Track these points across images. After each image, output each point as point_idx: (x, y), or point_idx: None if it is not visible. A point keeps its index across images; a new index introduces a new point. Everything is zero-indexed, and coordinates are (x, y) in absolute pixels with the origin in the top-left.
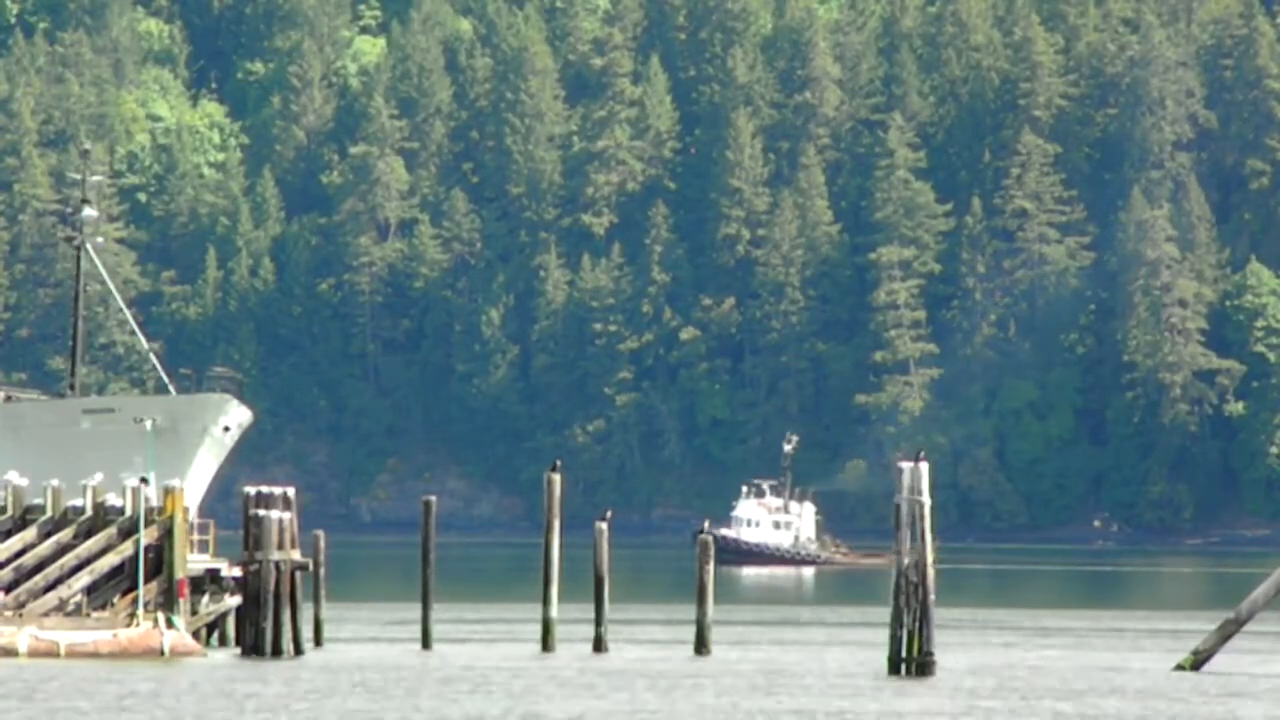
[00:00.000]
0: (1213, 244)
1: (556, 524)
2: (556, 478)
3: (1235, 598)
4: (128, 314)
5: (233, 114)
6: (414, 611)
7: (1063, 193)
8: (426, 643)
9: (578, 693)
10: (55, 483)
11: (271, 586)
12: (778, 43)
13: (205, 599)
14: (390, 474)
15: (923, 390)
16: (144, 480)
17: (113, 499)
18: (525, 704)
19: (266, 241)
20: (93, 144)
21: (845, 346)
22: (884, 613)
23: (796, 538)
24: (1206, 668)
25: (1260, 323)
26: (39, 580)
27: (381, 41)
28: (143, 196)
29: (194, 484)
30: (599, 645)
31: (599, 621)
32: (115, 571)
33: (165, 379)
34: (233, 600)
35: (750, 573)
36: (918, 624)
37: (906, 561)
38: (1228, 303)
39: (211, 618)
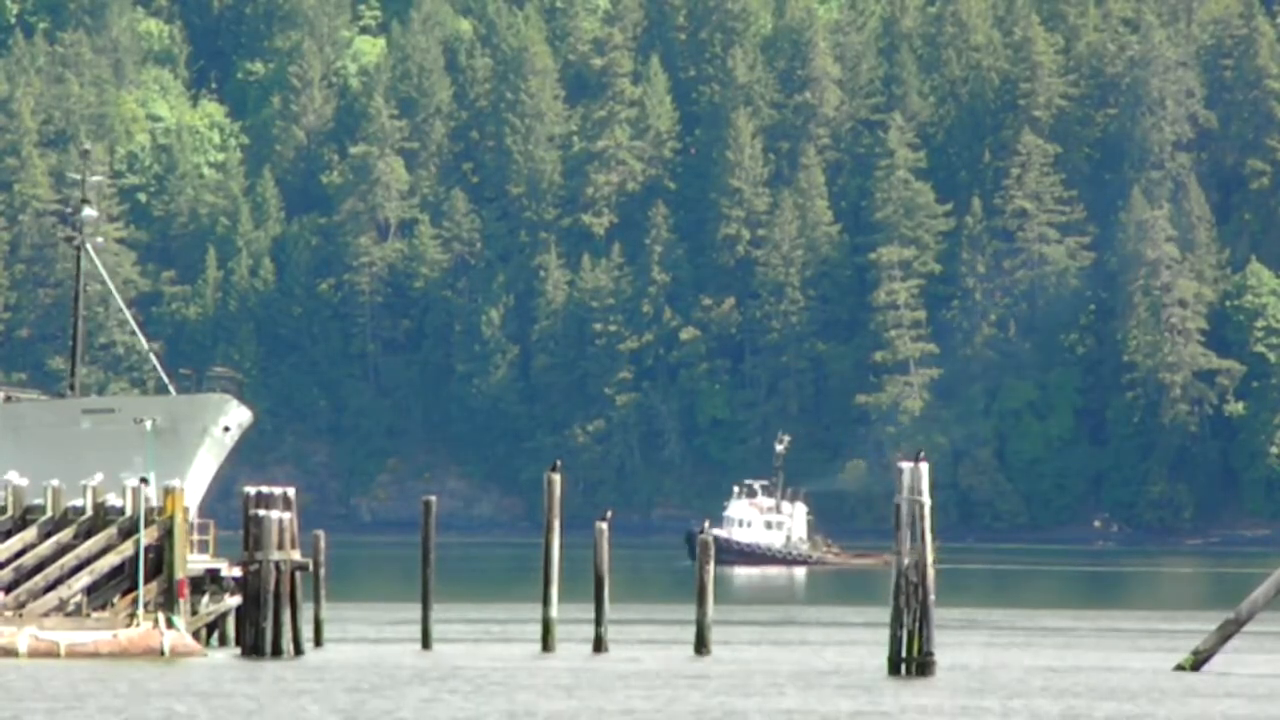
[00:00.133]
0: (1213, 244)
1: (556, 524)
2: (556, 478)
3: (1235, 598)
4: (128, 314)
5: (233, 114)
6: (414, 611)
7: (1063, 193)
8: (426, 643)
9: (578, 692)
10: (55, 483)
11: (271, 586)
12: (778, 43)
13: (205, 599)
14: (390, 474)
15: (923, 390)
16: (144, 480)
17: (113, 499)
18: (526, 704)
19: (266, 241)
20: (93, 144)
21: (845, 346)
22: (878, 612)
23: (788, 538)
24: (1206, 668)
25: (1260, 323)
26: (39, 580)
27: (381, 41)
28: (143, 196)
29: (194, 484)
30: (599, 645)
31: (599, 621)
32: (115, 571)
33: (165, 379)
34: (233, 600)
35: (742, 573)
36: (918, 624)
37: (906, 561)
38: (1228, 303)
39: (211, 618)
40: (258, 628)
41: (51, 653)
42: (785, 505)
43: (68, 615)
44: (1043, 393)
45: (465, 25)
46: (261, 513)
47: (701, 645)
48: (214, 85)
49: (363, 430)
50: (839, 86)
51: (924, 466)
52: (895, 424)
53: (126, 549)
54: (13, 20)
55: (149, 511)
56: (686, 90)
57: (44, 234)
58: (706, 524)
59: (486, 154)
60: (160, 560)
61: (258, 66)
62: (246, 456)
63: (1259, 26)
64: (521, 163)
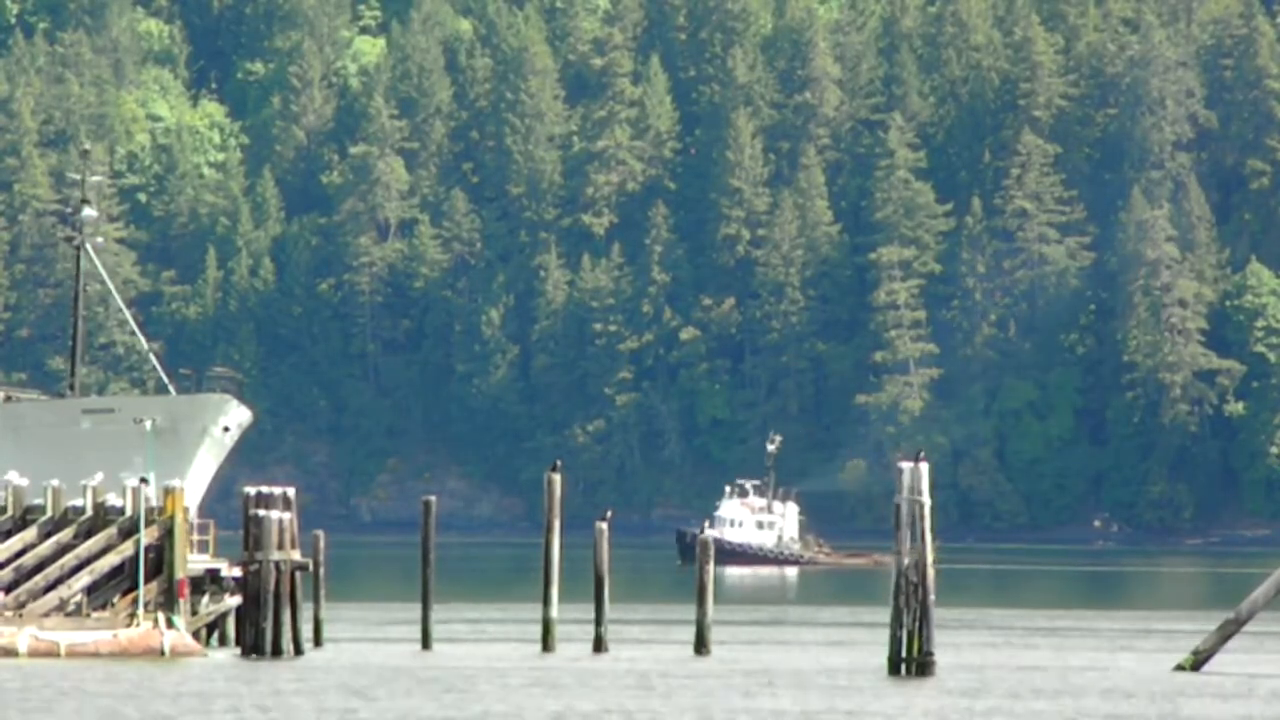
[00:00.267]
0: (1213, 244)
1: (556, 524)
2: (556, 478)
3: (1235, 598)
4: (128, 314)
5: (233, 114)
6: (414, 611)
7: (1063, 193)
8: (426, 643)
9: (578, 692)
10: (55, 483)
11: (271, 586)
12: (778, 43)
13: (205, 599)
14: (390, 474)
15: (923, 390)
16: (144, 480)
17: (113, 499)
18: (526, 704)
19: (266, 241)
20: (93, 144)
21: (845, 346)
22: (872, 612)
23: (780, 538)
24: (1206, 668)
25: (1260, 323)
26: (39, 580)
27: (381, 41)
28: (143, 196)
29: (194, 484)
30: (599, 645)
31: (599, 621)
32: (115, 571)
33: (165, 379)
34: (233, 600)
35: (733, 573)
36: (918, 624)
37: (906, 561)
38: (1228, 303)
39: (211, 618)
40: (258, 628)
41: (51, 653)
42: (777, 505)
43: (68, 615)
44: (1043, 393)
45: (465, 25)
46: (261, 513)
47: (701, 645)
48: (214, 85)
49: (363, 430)
50: (839, 86)
51: (924, 466)
52: (895, 424)
53: (126, 549)
54: (13, 20)
55: (149, 511)
56: (686, 90)
57: (44, 234)
58: (706, 525)
59: (486, 154)
60: (160, 560)
61: (258, 66)
62: (246, 456)
63: (1259, 26)
64: (521, 163)
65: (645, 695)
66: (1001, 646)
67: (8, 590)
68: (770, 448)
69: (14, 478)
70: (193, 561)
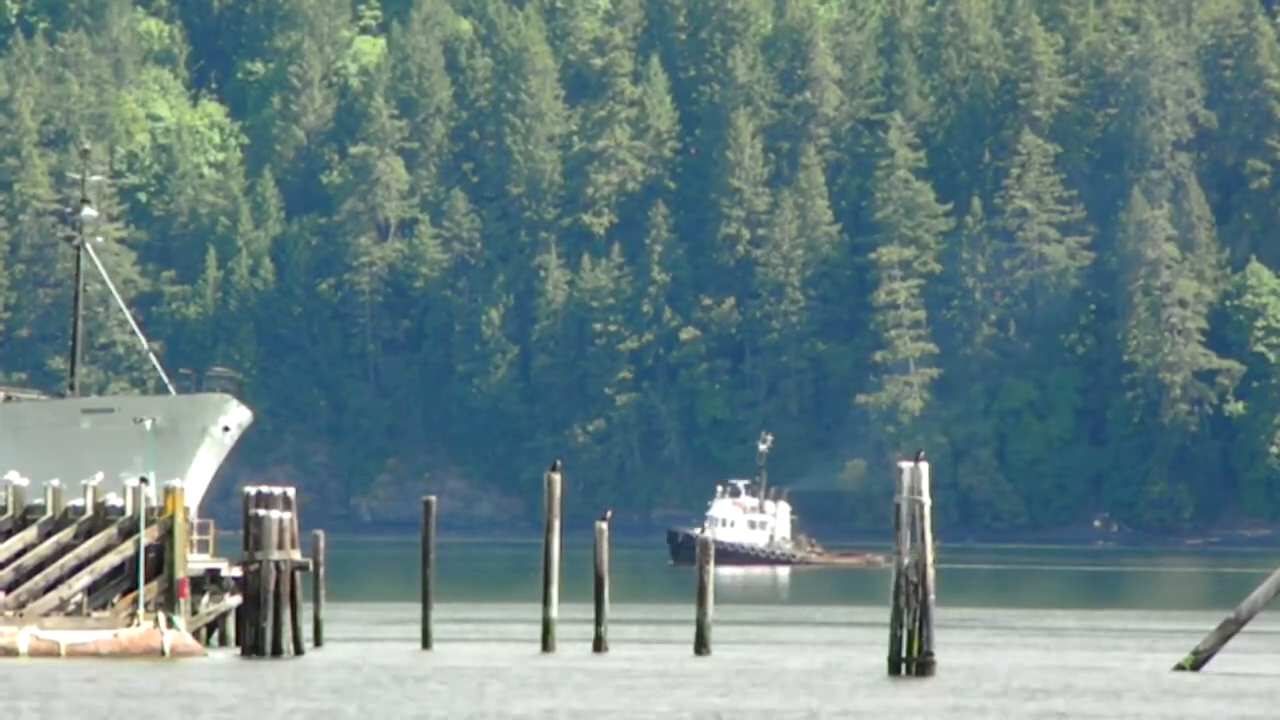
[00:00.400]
0: (1213, 244)
1: (556, 524)
2: (556, 478)
3: (1235, 598)
4: (128, 314)
5: (233, 114)
6: (414, 611)
7: (1063, 193)
8: (426, 643)
9: (578, 692)
10: (55, 483)
11: (271, 586)
12: (778, 43)
13: (205, 599)
14: (390, 474)
15: (923, 390)
16: (144, 480)
17: (113, 499)
18: (526, 704)
19: (266, 241)
20: (93, 144)
21: (845, 346)
22: (865, 612)
23: (771, 537)
24: (1206, 668)
25: (1260, 323)
26: (39, 580)
27: (381, 41)
28: (143, 196)
29: (194, 484)
30: (599, 645)
31: (599, 621)
32: (116, 571)
33: (165, 379)
34: (233, 600)
35: (725, 572)
36: (918, 624)
37: (906, 561)
38: (1228, 303)
39: (211, 618)
40: (258, 628)
41: (52, 652)
42: (769, 505)
43: (68, 615)
44: (1043, 392)
45: (465, 25)
46: (261, 513)
47: (701, 645)
48: (214, 85)
49: (363, 430)
50: (839, 86)
51: (924, 466)
52: (895, 424)
53: (127, 549)
54: (13, 20)
55: (149, 511)
56: (686, 90)
57: (44, 234)
58: (706, 525)
59: (486, 154)
60: (160, 560)
61: (258, 66)
62: (246, 456)
63: (1259, 26)
64: (521, 163)
65: (646, 695)
66: (1001, 647)
67: (8, 590)
68: (762, 447)
69: (14, 478)
70: (193, 561)
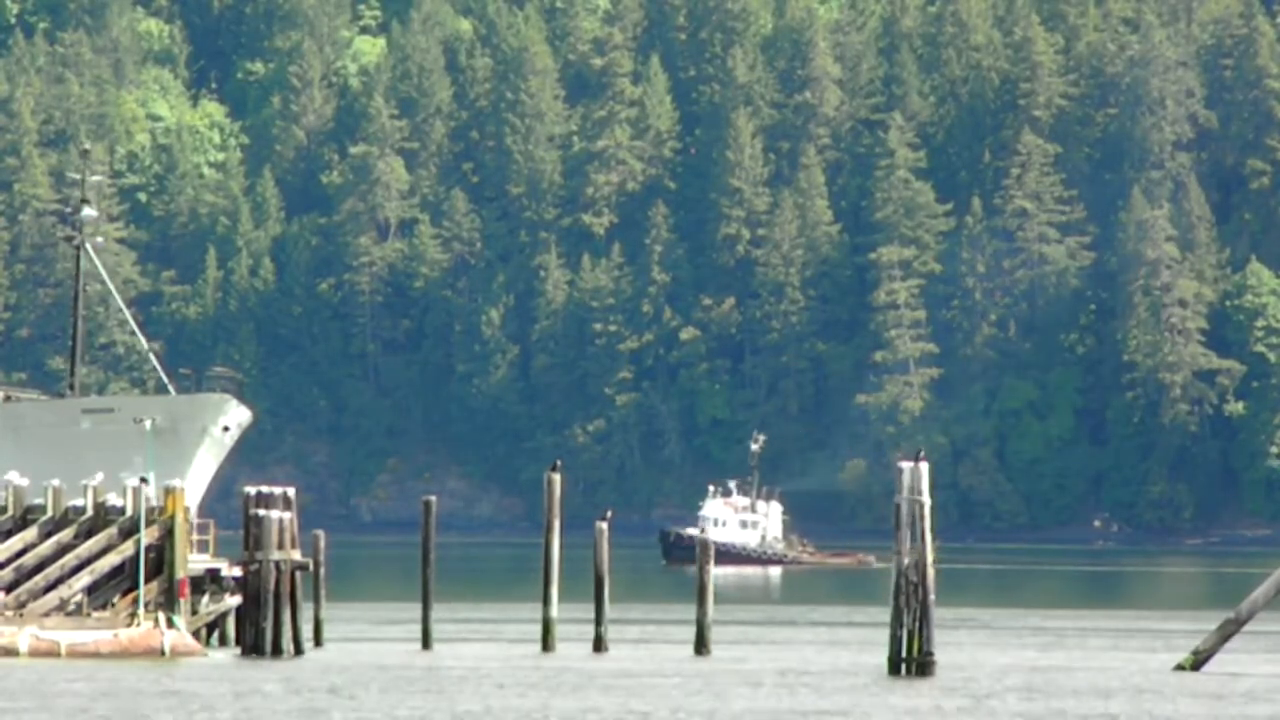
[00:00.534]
0: (1213, 244)
1: (556, 524)
2: (556, 478)
3: (1235, 598)
4: (128, 314)
5: (233, 114)
6: (414, 611)
7: (1063, 193)
8: (426, 643)
9: (578, 692)
10: (56, 483)
11: (271, 586)
12: (778, 43)
13: (205, 599)
14: (390, 474)
15: (922, 390)
16: (144, 480)
17: (113, 499)
18: (526, 703)
19: (266, 241)
20: (93, 144)
21: (845, 346)
22: (861, 612)
23: (763, 537)
24: (1206, 668)
25: (1260, 323)
26: (40, 580)
27: (381, 41)
28: (143, 196)
29: (194, 484)
30: (599, 645)
31: (599, 621)
32: (116, 571)
33: (165, 379)
34: (233, 600)
35: (717, 572)
36: (918, 624)
37: (906, 561)
38: (1228, 303)
39: (212, 618)
40: (258, 627)
41: (52, 652)
42: (760, 504)
43: (68, 615)
44: (1043, 392)
45: (465, 25)
46: (261, 513)
47: (701, 645)
48: (214, 85)
49: (363, 430)
50: (839, 86)
51: (924, 466)
52: (895, 424)
53: (127, 549)
54: (13, 20)
55: (149, 511)
56: (686, 90)
57: (44, 234)
58: (705, 527)
59: (486, 154)
60: (161, 560)
61: (258, 66)
62: (246, 456)
63: (1259, 26)
64: (521, 163)
65: (646, 695)
66: (1001, 646)
67: (8, 590)
68: (754, 447)
69: (14, 478)
70: (193, 561)
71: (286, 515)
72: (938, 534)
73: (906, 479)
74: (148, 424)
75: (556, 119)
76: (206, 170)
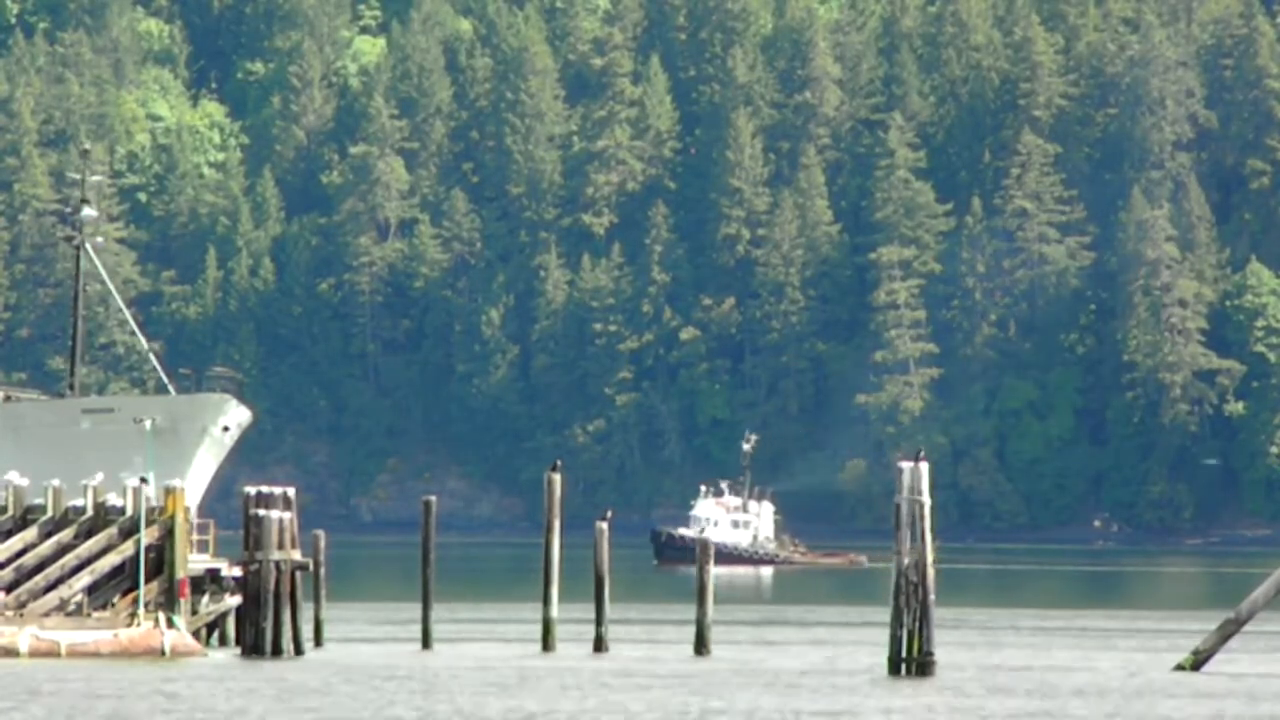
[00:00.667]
0: (1213, 244)
1: (556, 524)
2: (556, 478)
3: (1235, 598)
4: (128, 314)
5: (233, 114)
6: (414, 611)
7: (1063, 193)
8: (427, 643)
9: (578, 692)
10: (56, 483)
11: (271, 586)
12: (778, 43)
13: (205, 599)
14: (390, 474)
15: (922, 390)
16: (144, 480)
17: (113, 499)
18: (526, 703)
19: (266, 241)
20: (93, 144)
21: (845, 346)
22: (854, 612)
23: (755, 537)
24: (1206, 668)
25: (1260, 323)
26: (40, 580)
27: (381, 41)
28: (143, 196)
29: (194, 484)
30: (599, 645)
31: (599, 621)
32: (116, 571)
33: (165, 379)
34: (233, 600)
35: None
36: (918, 624)
37: (906, 561)
38: (1228, 303)
39: (212, 618)
40: (258, 627)
41: (52, 652)
42: (752, 504)
43: (68, 615)
44: (1043, 392)
45: (465, 25)
46: (261, 513)
47: (701, 645)
48: (214, 85)
49: (363, 430)
50: (839, 86)
51: (924, 466)
52: (895, 424)
53: (127, 549)
54: (13, 20)
55: (149, 511)
56: (686, 90)
57: (44, 234)
58: (702, 528)
59: (486, 154)
60: (161, 560)
61: (258, 66)
62: (246, 456)
63: (1259, 26)
64: (521, 163)
65: (646, 695)
66: (1001, 647)
67: (8, 590)
68: (746, 447)
69: (14, 478)
70: (193, 561)
71: (286, 515)
72: (938, 534)
73: (906, 479)
74: (148, 424)
75: (556, 119)
76: (206, 170)
